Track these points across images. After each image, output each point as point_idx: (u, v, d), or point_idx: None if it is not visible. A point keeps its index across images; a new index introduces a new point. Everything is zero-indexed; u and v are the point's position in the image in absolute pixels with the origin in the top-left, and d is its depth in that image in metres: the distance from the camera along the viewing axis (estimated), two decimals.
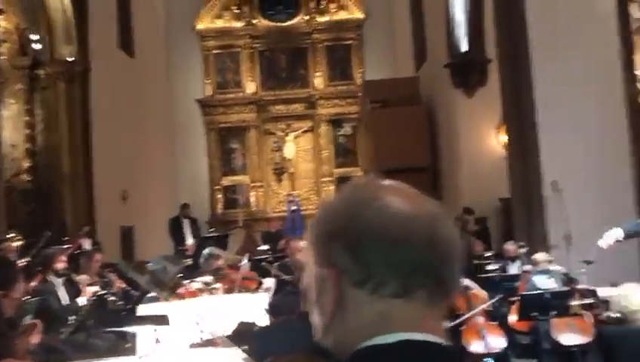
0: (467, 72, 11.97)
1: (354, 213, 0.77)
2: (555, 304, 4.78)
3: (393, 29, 16.03)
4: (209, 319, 3.50)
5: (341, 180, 15.48)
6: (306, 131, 15.92)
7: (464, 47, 11.92)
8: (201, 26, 15.91)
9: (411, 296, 0.74)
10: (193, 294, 4.49)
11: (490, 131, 12.03)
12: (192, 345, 3.45)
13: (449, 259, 0.76)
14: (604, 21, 8.45)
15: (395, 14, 15.96)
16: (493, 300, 5.75)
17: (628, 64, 8.61)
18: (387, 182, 0.85)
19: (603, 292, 5.00)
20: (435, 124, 13.65)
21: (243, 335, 3.03)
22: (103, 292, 5.61)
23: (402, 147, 12.69)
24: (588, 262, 5.67)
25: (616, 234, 4.92)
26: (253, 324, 3.33)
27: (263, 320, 3.63)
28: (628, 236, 5.06)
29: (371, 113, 13.79)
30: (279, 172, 15.54)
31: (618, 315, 3.13)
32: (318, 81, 15.92)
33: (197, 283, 4.74)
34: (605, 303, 4.48)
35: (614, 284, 4.87)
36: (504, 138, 10.19)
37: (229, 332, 3.26)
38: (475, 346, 5.25)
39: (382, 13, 15.93)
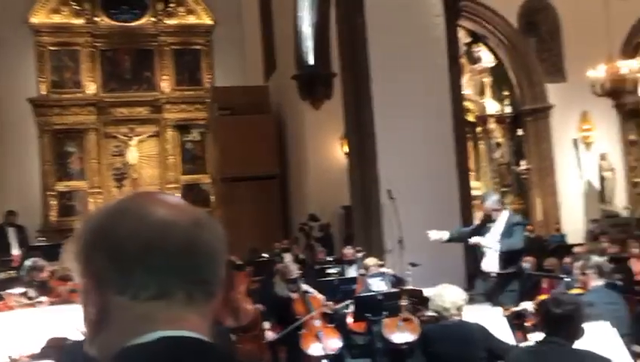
0: (314, 84, 12.37)
1: (114, 222, 0.80)
2: (386, 305, 5.07)
3: (243, 37, 16.08)
4: (18, 335, 3.20)
5: (188, 187, 15.15)
6: (151, 136, 15.34)
7: (311, 60, 12.30)
8: (34, 20, 14.70)
9: (171, 298, 0.78)
10: (9, 308, 4.09)
11: (335, 142, 12.52)
12: None
13: (210, 262, 0.81)
14: (436, 44, 9.18)
15: (244, 23, 16.02)
16: (343, 304, 5.96)
17: (455, 84, 9.42)
18: (154, 192, 0.90)
19: (428, 292, 5.40)
20: (284, 134, 13.89)
21: (51, 350, 2.83)
22: None
23: (251, 155, 12.75)
24: (413, 265, 6.10)
25: (442, 234, 5.49)
26: (64, 339, 3.12)
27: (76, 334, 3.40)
28: (450, 240, 5.58)
29: (219, 120, 13.68)
30: (120, 178, 14.78)
31: (434, 313, 3.39)
32: (165, 84, 15.46)
33: (16, 296, 4.33)
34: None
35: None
36: (347, 149, 10.66)
37: (39, 348, 3.02)
38: (313, 349, 5.39)
39: (231, 21, 15.91)
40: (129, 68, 15.31)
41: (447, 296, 3.27)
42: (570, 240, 12.87)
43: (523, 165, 14.29)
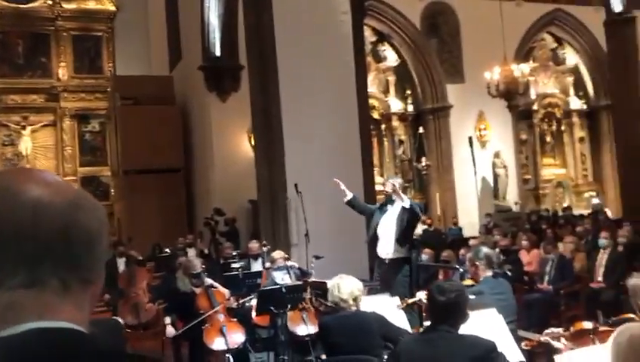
0: (220, 76, 12.19)
1: None
2: (290, 298, 5.11)
3: (147, 24, 15.56)
4: None
5: (87, 180, 14.47)
6: (46, 125, 14.49)
7: (218, 51, 12.11)
8: None
9: (43, 286, 0.72)
10: None
11: (242, 135, 12.42)
12: None
13: (87, 246, 0.75)
14: (343, 41, 9.33)
15: (149, 10, 15.51)
16: (248, 298, 5.91)
17: (361, 81, 9.63)
18: (28, 169, 0.81)
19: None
20: (190, 126, 13.60)
21: None
22: None
23: (155, 147, 12.38)
24: (317, 257, 6.19)
25: (348, 193, 5.70)
26: None
27: None
28: (350, 202, 5.80)
29: (121, 110, 13.17)
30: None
31: (332, 304, 3.46)
32: (63, 71, 14.65)
33: None
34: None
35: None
36: (254, 142, 10.60)
37: None
38: (217, 343, 5.33)
39: (135, 7, 15.33)
40: (22, 53, 14.37)
41: (344, 286, 3.35)
42: (467, 233, 13.56)
43: (423, 162, 14.87)
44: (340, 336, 3.30)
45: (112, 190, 14.49)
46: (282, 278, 5.80)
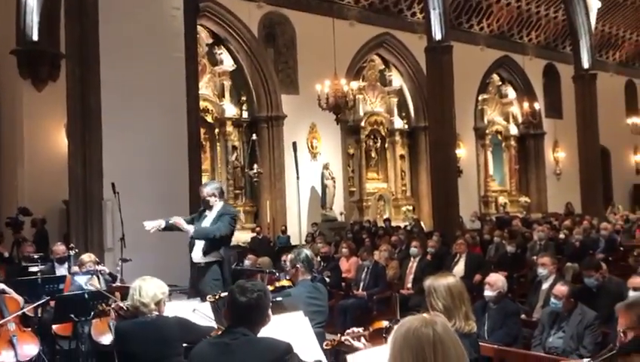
0: (37, 63, 11.09)
1: None
2: (94, 304, 4.68)
3: None
4: None
5: None
6: None
7: (36, 35, 11.02)
8: None
9: None
10: None
11: (59, 130, 11.39)
12: None
13: None
14: (174, 37, 8.97)
15: None
16: (35, 304, 5.30)
17: (192, 81, 9.32)
18: None
19: None
20: None
21: None
22: None
23: None
24: (124, 260, 5.82)
25: (158, 222, 5.34)
26: None
27: None
28: (167, 228, 5.47)
29: None
30: None
31: (132, 308, 3.19)
32: None
33: None
34: None
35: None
36: None
37: None
38: (4, 356, 4.72)
39: None
40: None
41: (146, 289, 3.10)
42: (295, 241, 13.80)
43: (255, 169, 14.88)
44: (137, 344, 3.04)
45: None
46: (87, 284, 5.32)
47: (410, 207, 18.08)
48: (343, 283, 8.37)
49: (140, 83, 8.54)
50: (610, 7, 20.26)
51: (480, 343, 4.45)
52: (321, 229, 14.17)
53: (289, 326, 3.25)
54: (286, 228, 14.68)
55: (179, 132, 8.95)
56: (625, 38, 23.56)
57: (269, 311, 2.44)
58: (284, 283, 4.27)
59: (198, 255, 5.46)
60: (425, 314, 1.58)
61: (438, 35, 12.75)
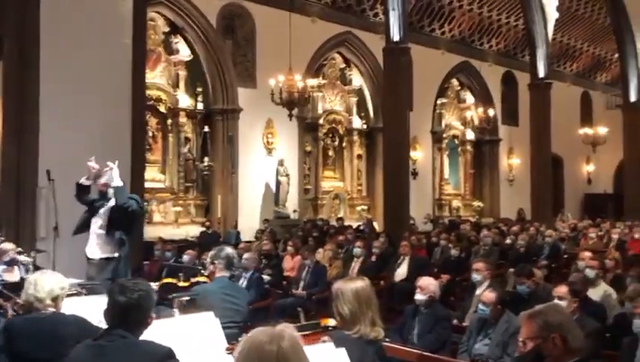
0: None
1: None
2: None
3: None
4: None
5: None
6: None
7: None
8: None
9: None
10: None
11: None
12: None
13: None
14: (121, 22, 8.70)
15: None
16: None
17: (139, 68, 9.06)
18: None
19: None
20: None
21: None
22: None
23: None
24: (38, 251, 5.58)
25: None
26: None
27: None
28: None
29: None
30: None
31: (25, 303, 2.99)
32: None
33: None
34: None
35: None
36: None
37: None
38: None
39: None
40: None
41: (42, 283, 2.91)
42: (246, 237, 13.59)
43: (206, 162, 14.62)
44: (28, 342, 2.84)
45: None
46: (5, 275, 5.07)
47: (365, 207, 18.08)
48: (285, 282, 8.25)
49: (84, 68, 8.27)
50: (568, 19, 20.65)
51: (405, 348, 4.39)
52: (273, 226, 14.00)
53: (196, 327, 3.11)
54: (237, 223, 14.47)
55: (122, 120, 8.70)
56: (582, 50, 24.09)
57: (152, 313, 2.30)
58: (200, 278, 4.15)
59: (92, 250, 5.26)
60: (277, 327, 1.48)
61: (396, 36, 12.74)
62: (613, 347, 4.34)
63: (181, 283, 4.88)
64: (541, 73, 16.73)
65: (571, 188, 24.51)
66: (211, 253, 4.25)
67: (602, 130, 21.56)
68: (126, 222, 5.30)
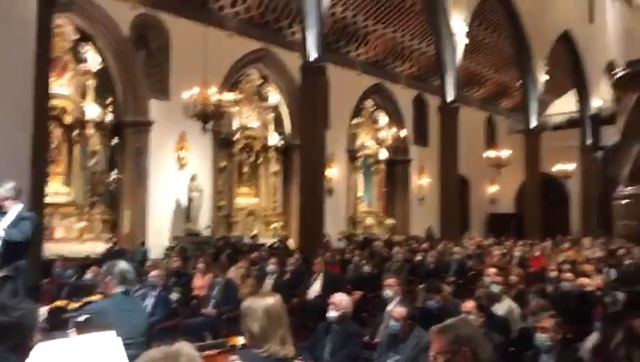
0: None
1: None
2: None
3: None
4: None
5: None
6: None
7: None
8: None
9: None
10: None
11: None
12: None
13: None
14: (23, 25, 8.22)
15: None
16: None
17: (42, 77, 8.58)
18: None
19: None
20: None
21: None
22: None
23: None
24: None
25: None
26: None
27: None
28: None
29: None
30: None
31: None
32: None
33: None
34: None
35: None
36: None
37: None
38: None
39: None
40: None
41: None
42: (155, 254, 13.09)
43: (114, 175, 14.02)
44: None
45: None
46: None
47: (281, 224, 17.98)
48: (195, 301, 7.97)
49: None
50: (476, 47, 21.72)
51: None
52: (184, 243, 13.60)
53: (95, 348, 2.89)
54: (145, 240, 13.92)
55: (22, 131, 8.17)
56: (488, 77, 25.41)
57: (35, 334, 2.10)
58: (93, 298, 3.92)
59: None
60: (174, 345, 1.37)
61: (313, 54, 12.84)
62: (517, 360, 4.47)
63: (72, 305, 4.58)
64: (450, 97, 17.41)
65: (477, 207, 25.63)
66: (104, 268, 4.07)
67: (505, 153, 22.72)
68: (18, 252, 4.91)
